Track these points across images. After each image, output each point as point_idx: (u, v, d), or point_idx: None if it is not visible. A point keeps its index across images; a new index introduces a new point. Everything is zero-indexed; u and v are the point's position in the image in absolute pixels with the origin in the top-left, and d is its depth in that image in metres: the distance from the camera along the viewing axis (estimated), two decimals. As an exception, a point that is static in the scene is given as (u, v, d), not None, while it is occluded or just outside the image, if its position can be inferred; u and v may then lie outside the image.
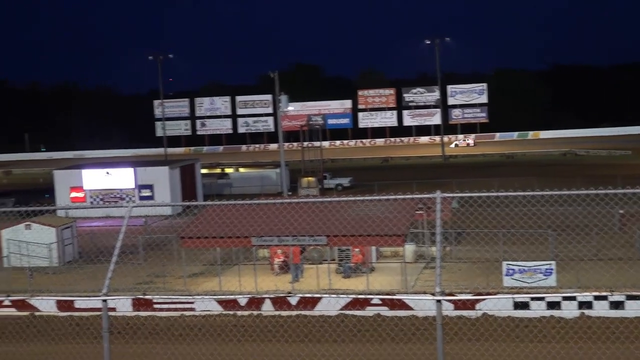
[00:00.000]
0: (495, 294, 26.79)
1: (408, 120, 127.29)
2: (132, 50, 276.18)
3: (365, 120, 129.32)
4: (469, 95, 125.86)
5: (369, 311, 26.14)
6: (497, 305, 25.23)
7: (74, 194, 56.88)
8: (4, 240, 38.60)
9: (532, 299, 25.10)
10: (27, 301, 28.28)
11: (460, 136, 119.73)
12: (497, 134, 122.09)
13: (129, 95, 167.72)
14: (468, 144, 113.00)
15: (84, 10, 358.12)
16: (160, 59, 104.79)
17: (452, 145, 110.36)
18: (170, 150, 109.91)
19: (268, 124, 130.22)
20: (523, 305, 25.18)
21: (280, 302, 26.27)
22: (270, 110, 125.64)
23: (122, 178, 56.88)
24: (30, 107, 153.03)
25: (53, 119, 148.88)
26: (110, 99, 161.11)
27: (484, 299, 25.46)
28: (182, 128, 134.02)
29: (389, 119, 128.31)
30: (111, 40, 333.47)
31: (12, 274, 34.73)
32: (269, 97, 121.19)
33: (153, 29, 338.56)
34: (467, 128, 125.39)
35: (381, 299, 25.73)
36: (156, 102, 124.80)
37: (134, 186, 56.03)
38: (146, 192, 55.34)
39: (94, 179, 57.11)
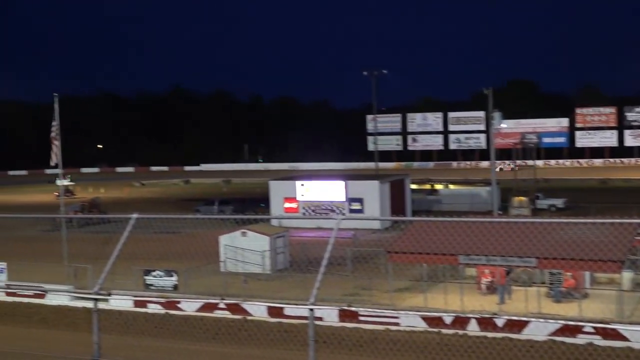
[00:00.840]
0: None
1: (630, 141, 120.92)
2: (347, 66, 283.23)
3: (583, 140, 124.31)
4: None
5: (581, 339, 24.93)
6: None
7: (287, 205, 58.96)
8: (221, 245, 40.62)
9: None
10: (241, 305, 29.54)
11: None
12: None
13: (343, 110, 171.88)
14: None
15: (304, 28, 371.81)
16: (374, 75, 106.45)
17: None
18: (381, 164, 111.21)
19: (480, 141, 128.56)
20: None
21: (486, 322, 25.70)
22: (482, 127, 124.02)
23: (333, 191, 58.24)
24: (251, 119, 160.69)
25: (271, 132, 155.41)
26: (326, 113, 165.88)
27: None
28: (393, 143, 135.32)
29: (608, 139, 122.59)
30: (329, 56, 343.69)
31: (228, 278, 36.52)
32: (481, 113, 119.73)
33: (369, 45, 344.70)
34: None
35: (594, 327, 24.46)
36: (369, 117, 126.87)
37: (344, 199, 57.16)
38: (356, 206, 56.28)
39: (307, 191, 58.90)
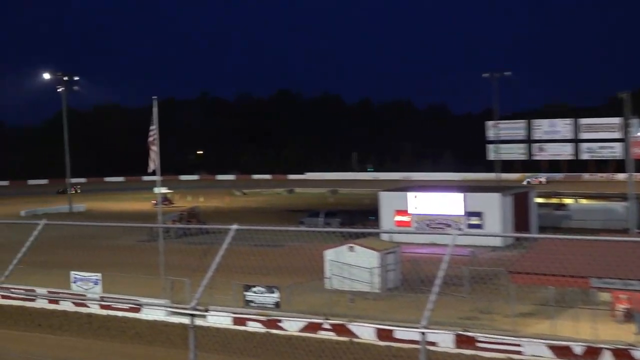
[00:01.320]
0: None
1: None
2: (467, 67, 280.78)
3: None
4: None
5: None
6: None
7: (398, 218, 58.68)
8: (327, 261, 40.67)
9: None
10: (347, 326, 29.47)
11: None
12: None
13: (461, 115, 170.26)
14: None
15: (417, 25, 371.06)
16: (495, 77, 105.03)
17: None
18: (503, 175, 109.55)
19: (615, 151, 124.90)
20: None
21: (621, 354, 24.85)
22: (618, 135, 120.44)
23: (450, 203, 57.61)
24: (360, 125, 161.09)
25: (382, 138, 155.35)
26: (442, 118, 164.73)
27: None
28: (516, 152, 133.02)
29: None
30: (446, 57, 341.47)
31: (333, 296, 36.54)
32: (617, 120, 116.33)
33: (490, 44, 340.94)
34: None
35: None
36: (489, 123, 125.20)
37: (462, 213, 56.45)
38: (475, 220, 55.47)
39: (420, 203, 58.44)
